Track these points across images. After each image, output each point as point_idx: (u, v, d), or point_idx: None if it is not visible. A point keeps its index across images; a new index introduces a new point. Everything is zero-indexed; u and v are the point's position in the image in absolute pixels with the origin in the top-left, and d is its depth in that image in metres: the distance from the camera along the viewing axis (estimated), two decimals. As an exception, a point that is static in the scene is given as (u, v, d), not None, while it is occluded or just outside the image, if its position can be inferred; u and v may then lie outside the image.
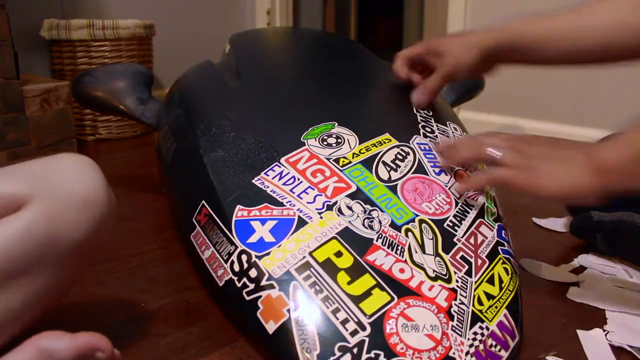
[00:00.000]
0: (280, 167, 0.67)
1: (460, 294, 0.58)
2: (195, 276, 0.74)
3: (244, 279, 0.58)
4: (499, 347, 0.56)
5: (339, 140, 0.70)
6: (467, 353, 0.53)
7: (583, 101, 1.36)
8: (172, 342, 0.60)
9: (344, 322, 0.53)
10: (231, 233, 0.61)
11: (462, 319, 0.56)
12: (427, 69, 0.80)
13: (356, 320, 0.53)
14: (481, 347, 0.55)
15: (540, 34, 0.72)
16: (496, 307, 0.59)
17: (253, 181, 0.65)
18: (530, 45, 0.72)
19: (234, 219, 0.62)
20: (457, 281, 0.59)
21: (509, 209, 0.99)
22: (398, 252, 0.60)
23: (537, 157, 0.59)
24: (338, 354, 0.51)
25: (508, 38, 0.73)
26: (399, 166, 0.69)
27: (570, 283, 0.74)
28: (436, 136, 0.76)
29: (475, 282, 0.60)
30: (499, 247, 0.65)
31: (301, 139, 0.70)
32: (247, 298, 0.57)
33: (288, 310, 0.54)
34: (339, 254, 0.58)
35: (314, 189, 0.64)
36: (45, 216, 0.47)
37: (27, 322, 0.50)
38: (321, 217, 0.61)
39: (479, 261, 0.62)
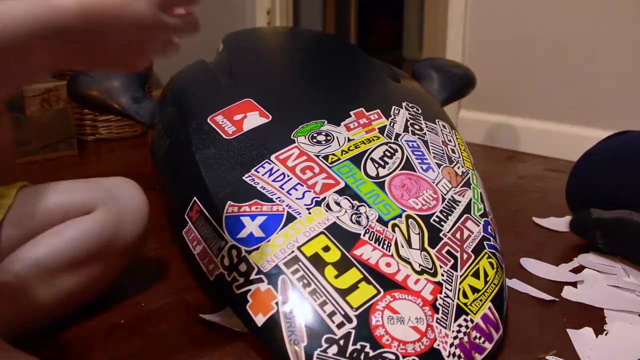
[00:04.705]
0: (270, 164, 0.68)
1: (446, 288, 0.59)
2: (194, 276, 0.74)
3: (234, 273, 0.59)
4: (483, 339, 0.57)
5: (328, 138, 0.72)
6: (451, 345, 0.54)
7: (583, 101, 1.36)
8: (172, 342, 0.61)
9: (330, 315, 0.54)
10: (222, 228, 0.62)
11: (447, 311, 0.57)
12: None
13: (343, 312, 0.55)
14: (465, 339, 0.56)
15: None
16: (481, 300, 0.60)
17: (244, 178, 0.67)
18: None
19: (224, 214, 0.63)
20: (442, 275, 0.60)
21: (509, 208, 1.00)
22: (385, 246, 0.61)
23: None
24: (325, 345, 0.53)
25: None
26: (387, 163, 0.70)
27: (570, 282, 0.74)
28: (424, 134, 0.77)
29: (461, 276, 0.61)
30: (485, 242, 0.66)
31: (291, 136, 0.72)
32: (237, 292, 0.58)
33: (276, 304, 0.56)
34: (326, 249, 0.59)
35: (303, 185, 0.65)
36: (113, 221, 0.61)
37: (77, 303, 0.62)
38: (310, 213, 0.63)
39: (465, 255, 0.63)
